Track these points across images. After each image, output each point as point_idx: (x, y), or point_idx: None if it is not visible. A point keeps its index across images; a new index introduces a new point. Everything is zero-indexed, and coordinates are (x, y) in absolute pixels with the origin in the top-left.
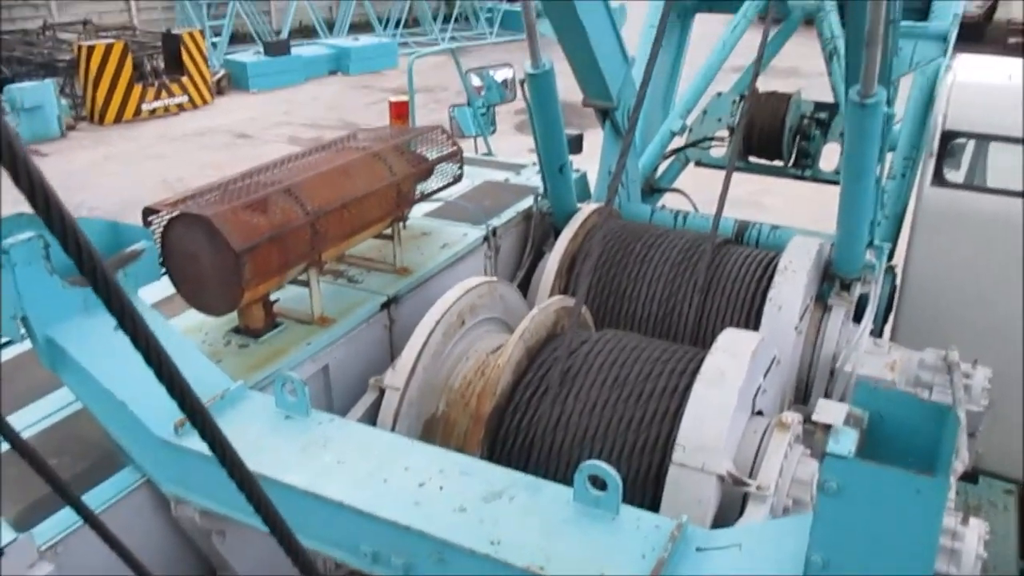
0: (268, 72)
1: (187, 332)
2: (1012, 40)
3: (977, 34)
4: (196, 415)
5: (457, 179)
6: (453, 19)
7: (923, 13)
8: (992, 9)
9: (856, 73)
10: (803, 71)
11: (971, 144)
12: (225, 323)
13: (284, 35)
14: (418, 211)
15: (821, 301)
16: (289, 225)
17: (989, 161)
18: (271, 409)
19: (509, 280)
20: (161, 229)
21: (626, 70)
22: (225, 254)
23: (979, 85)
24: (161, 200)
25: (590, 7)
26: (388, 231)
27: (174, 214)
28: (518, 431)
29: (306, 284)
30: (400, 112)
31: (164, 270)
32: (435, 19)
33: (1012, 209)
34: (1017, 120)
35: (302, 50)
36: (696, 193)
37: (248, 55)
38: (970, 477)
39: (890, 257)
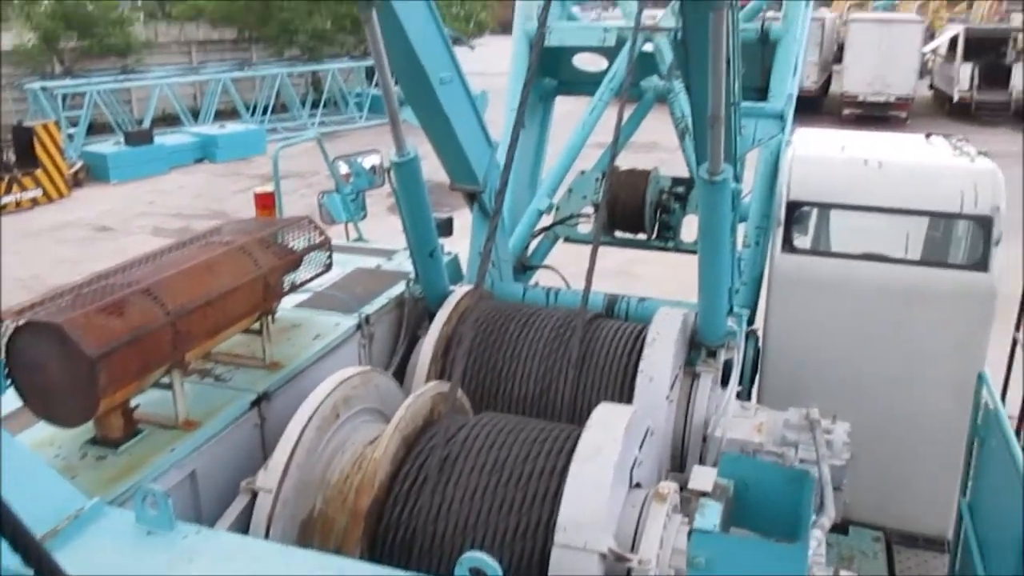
0: (130, 162)
1: (37, 447)
2: (846, 111)
3: (814, 106)
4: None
5: (327, 268)
6: (322, 104)
7: (763, 92)
8: (827, 83)
9: (704, 152)
10: (663, 145)
11: (815, 212)
12: (81, 434)
13: (146, 124)
14: (288, 302)
15: (690, 369)
16: (148, 327)
17: (832, 227)
18: (131, 526)
19: (384, 368)
20: (5, 339)
21: (491, 153)
22: (78, 362)
23: (816, 158)
24: (8, 308)
25: (451, 93)
26: (256, 325)
27: (20, 323)
28: (399, 524)
29: (169, 387)
30: (266, 203)
31: (9, 382)
32: (303, 104)
33: (853, 271)
34: (851, 189)
35: (166, 139)
36: (567, 268)
37: (108, 145)
38: (841, 528)
39: (751, 321)
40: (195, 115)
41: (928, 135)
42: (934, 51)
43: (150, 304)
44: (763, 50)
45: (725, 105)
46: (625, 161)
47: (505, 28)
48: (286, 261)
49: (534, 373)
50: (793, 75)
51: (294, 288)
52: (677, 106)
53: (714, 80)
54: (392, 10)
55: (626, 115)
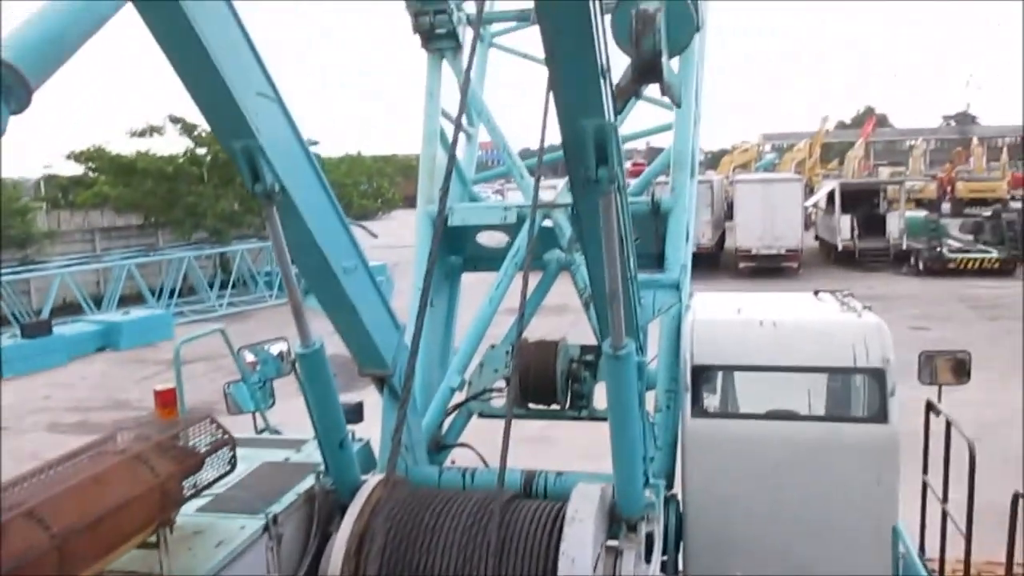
0: (25, 355)
1: None
2: (742, 265)
3: (712, 261)
4: None
5: (231, 467)
6: (231, 284)
7: (660, 258)
8: (722, 239)
9: (606, 327)
10: (572, 306)
11: (720, 374)
12: None
13: (45, 314)
14: (190, 507)
15: (612, 545)
16: (30, 553)
17: (738, 386)
18: None
19: (294, 571)
20: None
21: (398, 335)
22: None
23: (716, 321)
24: None
25: (356, 281)
26: (154, 538)
27: None
28: None
29: None
30: (167, 400)
31: None
32: (211, 286)
33: (762, 431)
34: (751, 350)
35: (65, 328)
36: (483, 444)
37: (2, 339)
38: None
39: (670, 486)
40: (98, 302)
41: (816, 292)
42: (815, 205)
43: (33, 527)
44: (656, 219)
45: (622, 280)
46: (536, 324)
47: (412, 202)
48: (186, 465)
49: (453, 564)
50: (686, 242)
51: (196, 492)
52: (580, 277)
53: (608, 259)
54: (292, 203)
55: (533, 285)
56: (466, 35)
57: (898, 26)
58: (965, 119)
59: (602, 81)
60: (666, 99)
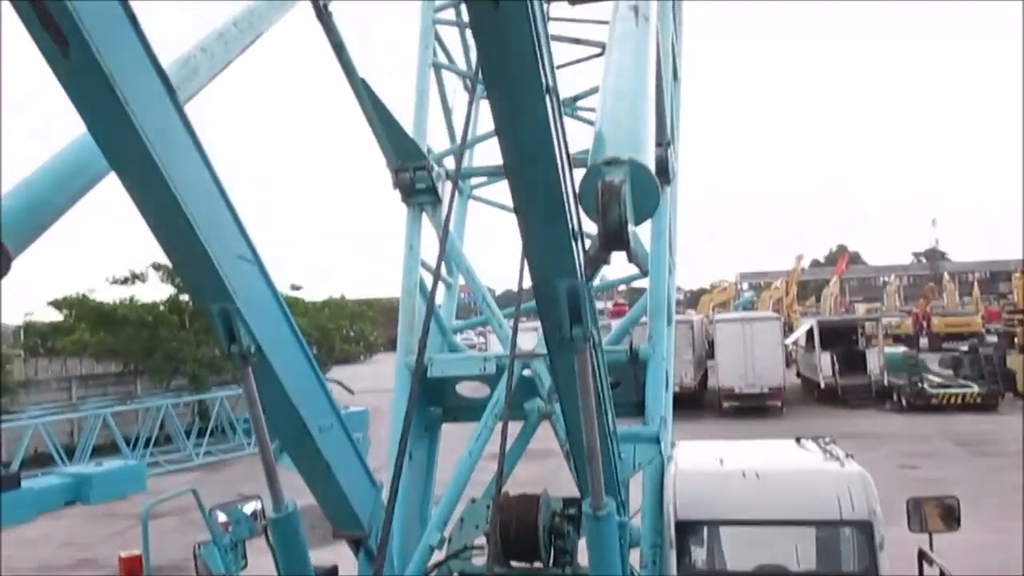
0: None
1: None
2: (725, 404)
3: (696, 401)
4: None
5: None
6: (208, 432)
7: (640, 406)
8: (704, 378)
9: (586, 484)
10: (556, 451)
11: (705, 528)
12: None
13: (15, 467)
14: None
15: None
16: None
17: (724, 540)
18: None
19: None
20: None
21: (375, 494)
22: None
23: (699, 473)
24: None
25: (331, 439)
26: None
27: None
28: None
29: None
30: (132, 568)
31: None
32: (188, 434)
33: None
34: (735, 504)
35: (33, 482)
36: None
37: None
38: None
39: None
40: (71, 453)
41: (798, 439)
42: (795, 343)
43: None
44: (635, 367)
45: (601, 437)
46: (520, 469)
47: (395, 344)
48: None
49: None
50: (666, 390)
51: None
52: (560, 427)
53: (585, 417)
54: (269, 364)
55: (515, 435)
56: (445, 189)
57: (865, 167)
58: (935, 255)
59: (574, 243)
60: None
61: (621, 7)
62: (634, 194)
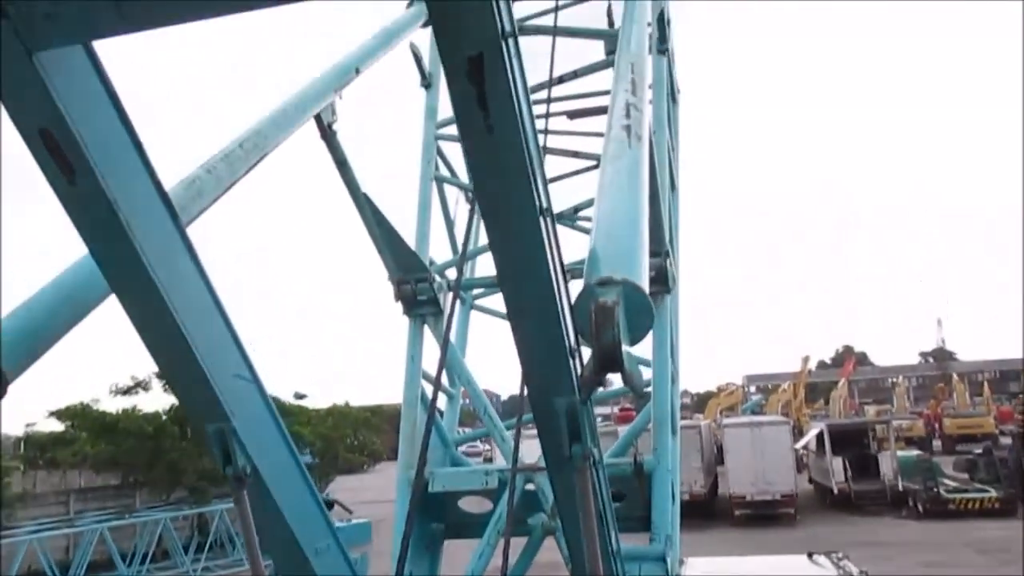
0: None
1: None
2: (737, 512)
3: (706, 510)
4: None
5: None
6: (207, 547)
7: (646, 520)
8: (715, 485)
9: None
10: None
11: None
12: None
13: None
14: None
15: None
16: None
17: None
18: None
19: None
20: None
21: None
22: None
23: None
24: None
25: (327, 561)
26: None
27: None
28: None
29: None
30: None
31: None
32: (187, 549)
33: None
34: None
35: None
36: None
37: None
38: None
39: None
40: (66, 569)
41: (810, 554)
42: (805, 447)
43: None
44: (640, 480)
45: (603, 557)
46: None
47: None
48: None
49: None
50: (672, 503)
51: None
52: (564, 544)
53: (587, 537)
54: (265, 485)
55: (518, 551)
56: (446, 300)
57: (867, 266)
58: (943, 355)
59: (571, 361)
60: (646, 353)
61: (614, 126)
62: (628, 315)
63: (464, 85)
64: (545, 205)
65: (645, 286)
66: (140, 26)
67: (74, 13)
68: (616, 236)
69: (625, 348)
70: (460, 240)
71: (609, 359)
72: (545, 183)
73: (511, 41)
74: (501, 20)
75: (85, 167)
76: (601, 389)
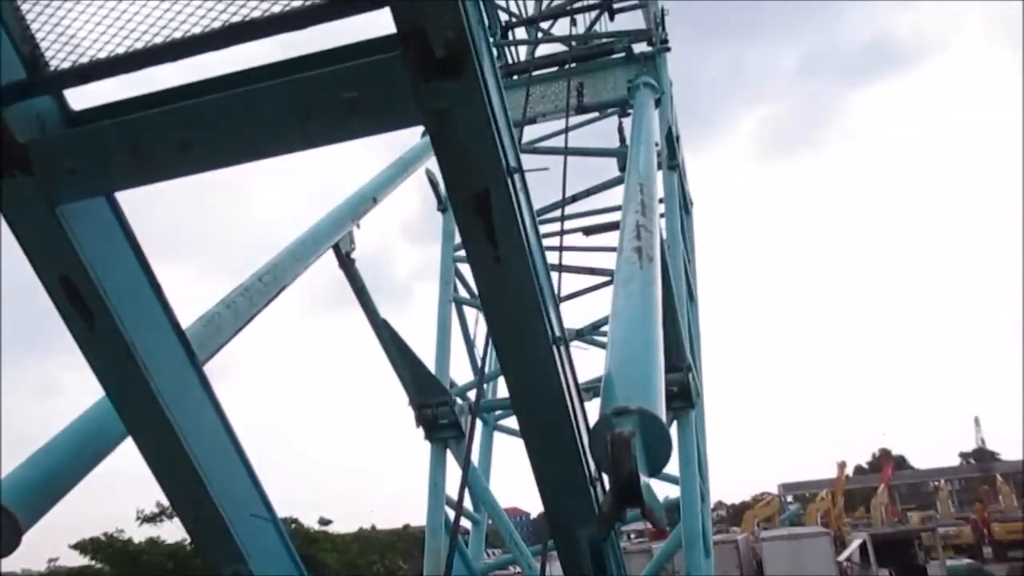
0: None
1: None
2: None
3: None
4: None
5: None
6: None
7: None
8: None
9: None
10: None
11: None
12: None
13: None
14: None
15: None
16: None
17: None
18: None
19: None
20: None
21: None
22: None
23: None
24: None
25: None
26: None
27: None
28: None
29: None
30: None
31: None
32: None
33: None
34: None
35: None
36: None
37: None
38: None
39: None
40: None
41: None
42: (848, 559)
43: None
44: None
45: None
46: None
47: None
48: None
49: None
50: None
51: None
52: None
53: None
54: None
55: None
56: (468, 423)
57: (898, 365)
58: (984, 456)
59: (592, 490)
60: (673, 470)
61: (625, 248)
62: (646, 445)
63: (472, 219)
64: (558, 334)
65: (662, 414)
66: (160, 178)
67: (96, 168)
68: (630, 362)
69: (644, 480)
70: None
71: (628, 493)
72: (558, 312)
73: (516, 176)
74: (506, 157)
75: (104, 312)
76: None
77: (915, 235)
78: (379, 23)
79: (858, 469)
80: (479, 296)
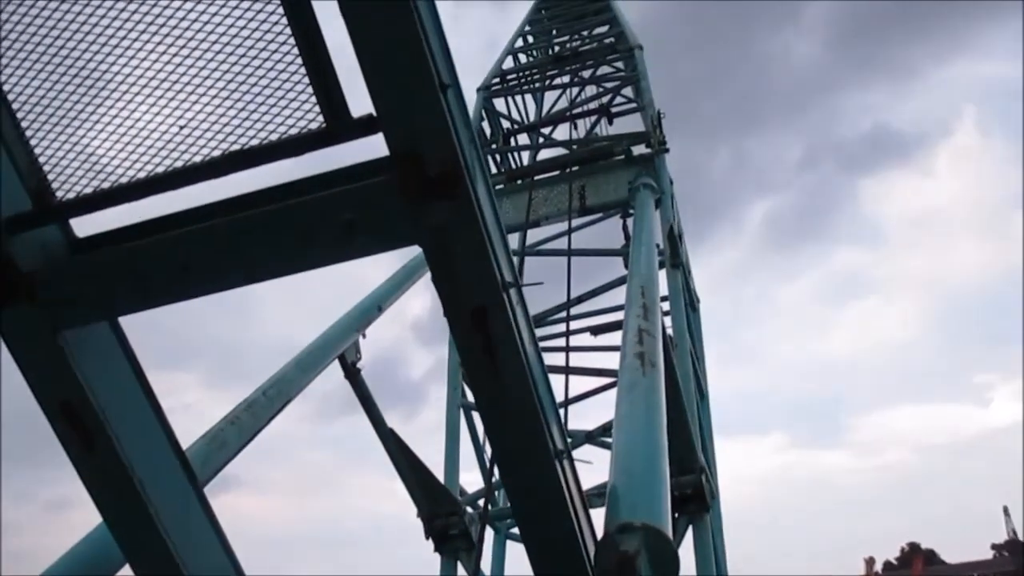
0: None
1: None
2: None
3: None
4: None
5: None
6: None
7: None
8: None
9: None
10: None
11: None
12: None
13: None
14: None
15: None
16: None
17: None
18: None
19: None
20: None
21: None
22: None
23: None
24: None
25: None
26: None
27: None
28: None
29: None
30: None
31: None
32: None
33: None
34: None
35: None
36: None
37: None
38: None
39: None
40: None
41: None
42: None
43: None
44: None
45: None
46: None
47: None
48: None
49: None
50: None
51: None
52: None
53: None
54: None
55: None
56: (478, 532)
57: (927, 460)
58: (1016, 547)
59: None
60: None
61: (628, 355)
62: (652, 562)
63: (469, 335)
64: (560, 448)
65: (668, 529)
66: (161, 302)
67: (99, 294)
68: (635, 474)
69: None
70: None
71: None
72: (560, 424)
73: (513, 291)
74: (501, 273)
75: (104, 436)
76: None
77: (940, 319)
78: (374, 143)
79: (887, 565)
80: (478, 411)
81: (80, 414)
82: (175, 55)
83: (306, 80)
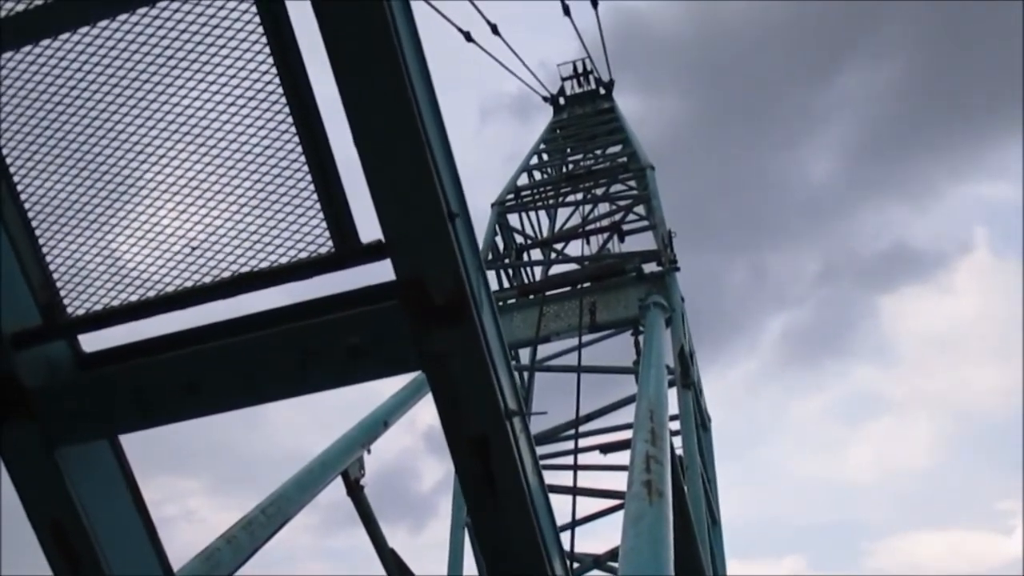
0: None
1: None
2: None
3: None
4: None
5: None
6: None
7: None
8: None
9: None
10: None
11: None
12: None
13: None
14: None
15: None
16: None
17: None
18: None
19: None
20: None
21: None
22: None
23: None
24: None
25: None
26: None
27: None
28: None
29: None
30: None
31: None
32: None
33: None
34: None
35: None
36: None
37: None
38: None
39: None
40: None
41: None
42: None
43: None
44: None
45: None
46: None
47: None
48: None
49: None
50: None
51: None
52: None
53: None
54: None
55: None
56: None
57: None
58: None
59: None
60: None
61: (635, 483)
62: None
63: (469, 463)
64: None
65: None
66: (162, 421)
67: (101, 411)
68: None
69: None
70: None
71: None
72: (563, 557)
73: (516, 419)
74: (504, 401)
75: (92, 557)
76: None
77: (958, 442)
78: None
79: None
80: (476, 539)
81: (68, 534)
82: (190, 180)
83: (317, 205)
